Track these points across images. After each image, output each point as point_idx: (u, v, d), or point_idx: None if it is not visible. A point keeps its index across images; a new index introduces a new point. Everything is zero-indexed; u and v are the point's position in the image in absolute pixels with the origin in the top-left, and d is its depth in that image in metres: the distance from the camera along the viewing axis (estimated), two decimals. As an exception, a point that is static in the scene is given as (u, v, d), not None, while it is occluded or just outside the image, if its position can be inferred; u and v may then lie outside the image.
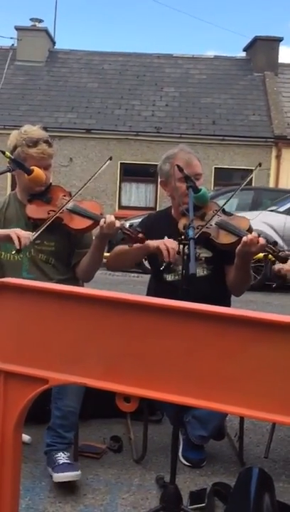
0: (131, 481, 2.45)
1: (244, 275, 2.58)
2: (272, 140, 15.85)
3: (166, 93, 17.18)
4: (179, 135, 15.42)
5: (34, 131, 2.62)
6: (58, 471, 2.30)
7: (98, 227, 2.48)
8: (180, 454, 2.62)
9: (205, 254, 2.66)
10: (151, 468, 2.55)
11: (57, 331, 1.25)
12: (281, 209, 8.88)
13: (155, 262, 2.75)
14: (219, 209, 2.66)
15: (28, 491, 2.30)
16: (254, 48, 18.23)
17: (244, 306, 3.93)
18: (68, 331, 1.24)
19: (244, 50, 19.19)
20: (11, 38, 18.59)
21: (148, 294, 2.81)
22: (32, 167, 2.52)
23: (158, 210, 10.62)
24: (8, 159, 2.52)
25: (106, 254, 2.74)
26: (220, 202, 2.75)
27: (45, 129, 2.73)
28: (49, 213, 2.58)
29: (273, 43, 18.11)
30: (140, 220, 3.05)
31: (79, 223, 2.57)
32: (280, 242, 2.22)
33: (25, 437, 2.64)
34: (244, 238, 2.39)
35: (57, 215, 2.54)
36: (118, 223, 2.44)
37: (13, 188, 7.76)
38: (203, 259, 2.66)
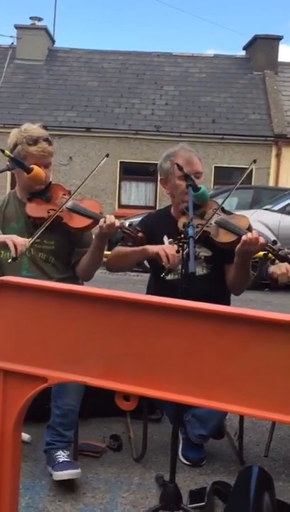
0: (131, 479, 2.45)
1: (243, 274, 2.58)
2: (272, 139, 15.85)
3: (166, 92, 17.17)
4: (179, 134, 15.42)
5: (34, 129, 2.62)
6: (58, 469, 2.30)
7: (98, 226, 2.48)
8: (179, 452, 2.62)
9: (204, 253, 2.66)
10: (150, 467, 2.55)
11: (57, 330, 1.25)
12: (276, 208, 8.88)
13: (154, 261, 2.75)
14: (218, 207, 2.66)
15: (27, 490, 2.30)
16: (253, 46, 18.22)
17: (244, 305, 3.92)
18: (67, 329, 1.24)
19: (244, 48, 19.18)
20: (11, 36, 18.60)
21: (147, 293, 2.81)
22: (31, 165, 2.52)
23: (157, 209, 10.63)
24: (7, 158, 2.51)
25: (106, 252, 2.74)
26: (220, 201, 2.75)
27: (44, 127, 2.73)
28: (49, 212, 2.58)
29: (273, 41, 18.10)
30: (140, 219, 3.05)
31: (78, 222, 2.57)
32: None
33: (25, 436, 2.64)
34: (244, 237, 2.39)
35: (54, 217, 2.53)
36: (118, 223, 2.44)
37: (12, 186, 7.76)
38: (203, 258, 2.66)
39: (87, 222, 2.55)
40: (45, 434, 2.46)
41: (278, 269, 2.52)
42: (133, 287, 7.31)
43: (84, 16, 57.33)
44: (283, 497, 2.23)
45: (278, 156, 15.83)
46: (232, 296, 2.79)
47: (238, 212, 2.95)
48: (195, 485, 2.41)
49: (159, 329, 1.17)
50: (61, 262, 2.67)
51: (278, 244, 2.47)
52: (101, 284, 1.86)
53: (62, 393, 2.41)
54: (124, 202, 16.14)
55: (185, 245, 2.14)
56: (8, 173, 2.70)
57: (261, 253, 2.44)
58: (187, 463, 2.62)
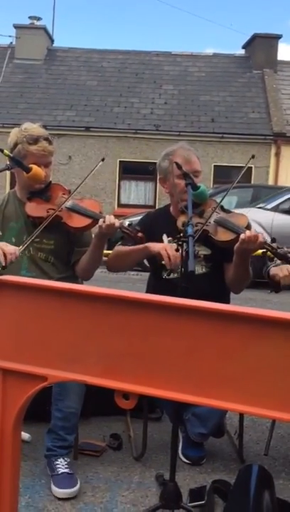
0: (131, 478, 2.45)
1: (243, 272, 2.58)
2: (271, 137, 15.84)
3: (165, 91, 17.17)
4: (178, 133, 15.41)
5: (34, 128, 2.62)
6: (57, 484, 2.29)
7: (97, 225, 2.48)
8: (179, 451, 2.62)
9: (203, 251, 2.66)
10: (150, 466, 2.55)
11: (57, 329, 1.25)
12: (269, 206, 8.88)
13: (154, 260, 2.75)
14: (217, 206, 2.66)
15: (27, 489, 2.30)
16: (253, 45, 18.21)
17: (244, 304, 3.92)
18: (67, 328, 1.24)
19: (243, 47, 19.18)
20: (10, 36, 18.62)
21: (147, 292, 2.81)
22: (30, 165, 2.52)
23: (157, 208, 10.62)
24: (7, 157, 2.51)
25: (106, 252, 2.74)
26: (219, 199, 2.75)
27: (44, 127, 2.73)
28: (48, 211, 2.57)
29: (272, 40, 18.10)
30: (139, 218, 3.05)
31: (78, 222, 2.57)
32: (268, 239, 2.23)
33: (25, 435, 2.64)
34: (242, 235, 2.39)
35: (51, 218, 2.52)
36: (117, 223, 2.44)
37: (12, 186, 7.76)
38: (202, 256, 2.66)
39: (87, 221, 2.55)
40: (45, 439, 2.45)
41: (280, 271, 2.50)
42: (132, 286, 7.31)
43: (83, 15, 57.33)
44: (283, 495, 2.23)
45: (277, 154, 15.82)
46: (232, 295, 2.79)
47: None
48: (195, 483, 2.41)
49: (159, 328, 1.18)
50: (61, 262, 2.67)
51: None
52: (101, 283, 1.86)
53: (63, 396, 2.40)
54: (123, 201, 16.14)
55: (185, 244, 2.14)
56: (8, 172, 2.70)
57: (259, 251, 2.44)
58: (187, 461, 2.62)
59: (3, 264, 2.36)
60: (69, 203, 2.59)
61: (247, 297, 5.80)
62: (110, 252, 2.76)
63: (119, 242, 2.73)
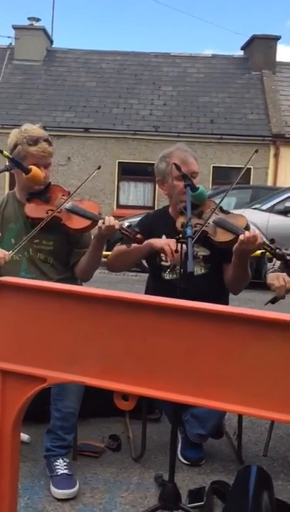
0: (130, 479, 2.45)
1: (241, 273, 2.59)
2: (270, 139, 15.85)
3: (164, 92, 17.17)
4: (177, 134, 15.42)
5: (34, 129, 2.62)
6: (56, 485, 2.30)
7: (96, 227, 2.48)
8: (178, 452, 2.62)
9: (202, 252, 2.66)
10: (149, 467, 2.55)
11: (56, 330, 1.25)
12: (264, 207, 8.87)
13: (153, 261, 2.75)
14: (216, 207, 2.66)
15: (26, 490, 2.30)
16: (251, 46, 18.22)
17: (243, 305, 3.93)
18: (66, 329, 1.24)
19: (242, 48, 19.18)
20: (9, 37, 18.64)
21: (146, 293, 2.81)
22: (30, 166, 2.52)
23: (156, 209, 10.62)
24: (6, 158, 2.52)
25: (105, 253, 2.74)
26: (218, 200, 2.75)
27: (43, 128, 2.74)
28: (47, 213, 2.58)
29: (270, 41, 18.10)
30: (138, 219, 3.05)
31: (77, 223, 2.57)
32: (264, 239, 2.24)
33: (24, 436, 2.64)
34: (241, 236, 2.39)
35: (47, 219, 2.53)
36: (117, 225, 2.44)
37: (11, 187, 7.76)
38: (201, 257, 2.66)
39: (86, 223, 2.55)
40: (44, 439, 2.45)
41: (277, 280, 2.50)
42: (131, 287, 7.31)
43: (82, 16, 57.30)
44: (282, 496, 2.23)
45: (276, 155, 15.83)
46: (231, 296, 2.79)
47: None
48: (194, 484, 2.41)
49: (158, 329, 1.18)
50: (60, 263, 2.67)
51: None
52: (100, 284, 1.87)
53: (62, 396, 2.40)
54: (122, 202, 16.14)
55: (184, 245, 2.14)
56: (7, 173, 2.71)
57: (258, 252, 2.44)
58: (186, 462, 2.62)
59: None
60: (68, 205, 2.59)
61: (246, 298, 5.80)
62: (109, 253, 2.76)
63: (119, 243, 2.74)
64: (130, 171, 15.95)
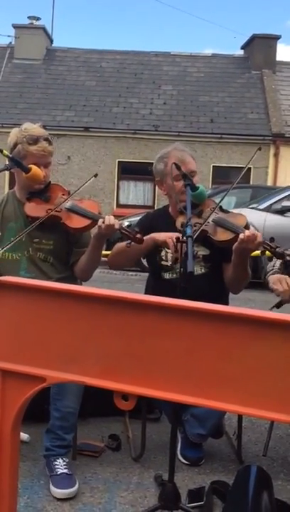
0: (130, 479, 2.45)
1: (241, 272, 2.58)
2: (270, 138, 15.85)
3: (164, 91, 17.17)
4: (177, 133, 15.42)
5: (34, 128, 2.62)
6: (56, 484, 2.29)
7: (96, 226, 2.48)
8: (178, 452, 2.62)
9: (202, 252, 2.66)
10: (149, 467, 2.55)
11: (55, 330, 1.25)
12: (261, 206, 8.86)
13: (154, 260, 2.75)
14: (216, 206, 2.66)
15: (26, 490, 2.30)
16: (251, 46, 18.22)
17: (243, 305, 3.93)
18: (66, 329, 1.24)
19: (242, 48, 19.18)
20: (9, 35, 18.59)
21: (146, 293, 2.81)
22: (30, 165, 2.52)
23: (156, 208, 10.62)
24: (6, 157, 2.51)
25: (104, 252, 2.73)
26: (218, 200, 2.75)
27: (43, 127, 2.73)
28: (47, 212, 2.58)
29: (270, 41, 18.10)
30: (138, 218, 3.05)
31: (77, 222, 2.57)
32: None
33: (24, 436, 2.64)
34: (241, 235, 2.39)
35: (44, 218, 2.52)
36: (117, 224, 2.44)
37: (11, 186, 7.76)
38: (201, 257, 2.66)
39: (86, 222, 2.55)
40: (44, 439, 2.45)
41: (280, 284, 2.48)
42: (131, 287, 7.31)
43: (82, 15, 57.33)
44: (281, 496, 2.23)
45: (276, 155, 15.83)
46: (231, 296, 2.79)
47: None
48: (193, 484, 2.41)
49: (158, 329, 1.18)
50: (60, 262, 2.67)
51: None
52: (100, 284, 1.86)
53: (61, 395, 2.40)
54: (122, 201, 16.14)
55: (184, 244, 2.14)
56: (7, 172, 2.71)
57: (257, 252, 2.44)
58: (185, 462, 2.62)
59: None
60: (68, 204, 2.59)
61: (247, 298, 5.80)
62: (109, 252, 2.76)
63: (118, 243, 2.73)
64: (130, 170, 15.96)
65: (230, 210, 2.79)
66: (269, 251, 2.40)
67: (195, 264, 2.26)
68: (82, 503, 2.24)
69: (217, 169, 15.78)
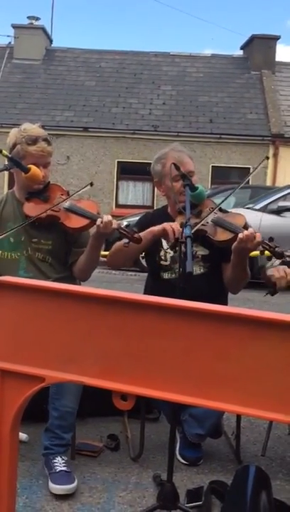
0: (128, 479, 2.45)
1: (240, 272, 2.59)
2: (269, 138, 15.86)
3: (163, 91, 17.17)
4: (176, 133, 15.42)
5: (34, 129, 2.62)
6: (55, 481, 2.29)
7: (95, 226, 2.48)
8: (177, 452, 2.63)
9: (201, 252, 2.66)
10: (148, 467, 2.55)
11: (54, 330, 1.25)
12: (257, 206, 8.85)
13: (153, 260, 2.75)
14: (216, 207, 2.66)
15: (25, 489, 2.30)
16: (251, 46, 18.23)
17: (242, 305, 3.93)
18: (65, 329, 1.24)
19: (242, 48, 19.19)
20: (8, 36, 18.62)
21: (145, 293, 2.81)
22: (29, 165, 2.52)
23: (155, 208, 10.62)
24: (5, 157, 2.52)
25: (103, 253, 2.73)
26: (217, 200, 2.75)
27: (42, 127, 2.74)
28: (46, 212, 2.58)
29: (270, 41, 18.12)
30: (137, 218, 3.05)
31: (76, 222, 2.57)
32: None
33: (23, 436, 2.64)
34: (240, 235, 2.39)
35: (38, 216, 2.53)
36: (115, 223, 2.44)
37: (10, 186, 7.76)
38: (200, 257, 2.66)
39: (84, 222, 2.55)
40: (43, 438, 2.45)
41: (277, 271, 2.49)
42: (130, 287, 7.31)
43: (81, 15, 57.34)
44: (280, 496, 2.23)
45: (275, 155, 15.83)
46: (230, 296, 2.80)
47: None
48: (192, 484, 2.41)
49: (156, 329, 1.18)
50: (58, 262, 2.67)
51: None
52: (99, 284, 1.87)
53: (60, 395, 2.40)
54: (121, 201, 16.14)
55: (183, 245, 2.14)
56: (6, 172, 2.71)
57: (257, 252, 2.44)
58: (184, 462, 2.62)
59: None
60: (66, 204, 2.59)
61: (245, 298, 5.80)
62: (107, 253, 2.76)
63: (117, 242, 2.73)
64: (129, 171, 15.96)
65: (229, 210, 2.80)
66: (268, 251, 2.40)
67: (194, 264, 2.26)
68: (81, 503, 2.24)
69: (216, 169, 15.79)
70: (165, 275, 2.71)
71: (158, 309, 1.17)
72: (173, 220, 2.67)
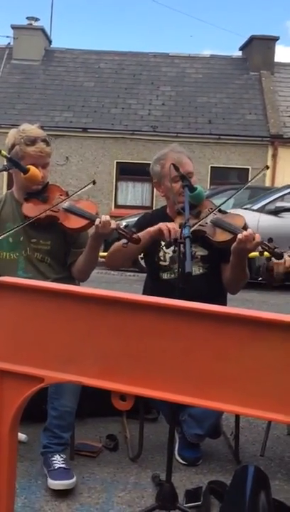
0: (127, 479, 2.45)
1: (240, 273, 2.59)
2: (268, 139, 15.87)
3: (162, 92, 17.18)
4: (175, 134, 15.43)
5: (32, 129, 2.63)
6: (53, 477, 2.30)
7: (93, 226, 2.49)
8: (176, 452, 2.63)
9: (200, 252, 2.67)
10: (146, 467, 2.55)
11: (53, 330, 1.25)
12: (255, 207, 8.85)
13: (152, 260, 2.76)
14: (215, 208, 2.66)
15: (24, 490, 2.30)
16: (250, 47, 18.24)
17: (241, 305, 3.93)
18: (64, 329, 1.24)
19: (241, 49, 19.20)
20: (7, 36, 18.68)
21: (144, 293, 2.81)
22: (28, 166, 2.52)
23: (154, 209, 10.62)
24: (4, 158, 2.52)
25: (102, 253, 2.74)
26: (216, 201, 2.75)
27: (41, 127, 2.74)
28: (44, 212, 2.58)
29: (269, 42, 18.13)
30: (136, 219, 3.06)
31: (74, 223, 2.57)
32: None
33: (22, 436, 2.64)
34: (239, 235, 2.39)
35: (38, 216, 2.53)
36: (113, 223, 2.45)
37: (9, 187, 7.76)
38: (199, 257, 2.66)
39: (83, 222, 2.55)
40: (41, 437, 2.46)
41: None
42: (130, 287, 7.31)
43: (80, 16, 57.33)
44: (279, 496, 2.23)
45: (274, 156, 15.84)
46: (229, 296, 2.80)
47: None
48: (191, 484, 2.41)
49: (155, 329, 1.18)
50: (57, 262, 2.67)
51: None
52: (98, 284, 1.87)
53: (58, 394, 2.40)
54: (120, 202, 16.15)
55: (182, 245, 2.14)
56: (5, 173, 2.71)
57: (256, 253, 2.44)
58: (183, 462, 2.62)
59: None
60: (65, 204, 2.59)
61: (244, 298, 5.81)
62: (106, 253, 2.76)
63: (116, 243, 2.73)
64: (128, 171, 15.96)
65: (228, 211, 2.80)
66: (267, 251, 2.40)
67: (193, 264, 2.27)
68: (80, 503, 2.24)
69: (215, 170, 15.80)
70: (165, 275, 2.72)
71: (157, 310, 1.18)
72: (172, 221, 2.67)
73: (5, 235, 2.52)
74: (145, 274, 2.96)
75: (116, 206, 15.88)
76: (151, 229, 2.58)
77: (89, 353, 1.22)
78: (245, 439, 2.89)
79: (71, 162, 15.82)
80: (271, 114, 16.38)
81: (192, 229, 2.27)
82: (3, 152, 2.50)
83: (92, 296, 1.23)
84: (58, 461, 2.35)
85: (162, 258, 2.72)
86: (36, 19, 18.67)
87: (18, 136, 2.58)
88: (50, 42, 19.18)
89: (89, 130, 15.93)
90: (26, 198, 2.66)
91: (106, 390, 1.22)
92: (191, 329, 1.16)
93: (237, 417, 2.68)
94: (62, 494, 2.28)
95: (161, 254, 2.71)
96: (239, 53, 19.22)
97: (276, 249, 2.37)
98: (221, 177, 15.49)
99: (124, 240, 2.45)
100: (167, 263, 2.70)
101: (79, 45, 33.81)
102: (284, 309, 6.15)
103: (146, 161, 14.87)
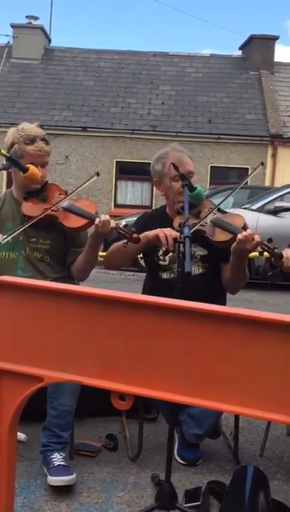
0: (127, 479, 2.45)
1: (239, 273, 2.59)
2: (268, 139, 15.87)
3: (162, 91, 17.18)
4: (175, 133, 15.43)
5: (31, 128, 2.62)
6: (53, 473, 2.29)
7: (93, 226, 2.48)
8: (175, 452, 2.62)
9: (200, 252, 2.66)
10: (146, 467, 2.55)
11: (53, 329, 1.25)
12: (254, 207, 8.85)
13: (151, 260, 2.75)
14: (214, 207, 2.66)
15: (23, 489, 2.29)
16: (250, 46, 18.24)
17: (240, 305, 3.93)
18: (63, 329, 1.24)
19: (240, 48, 19.20)
20: (7, 35, 18.63)
21: (143, 293, 2.81)
22: (27, 165, 2.52)
23: (153, 208, 10.63)
24: (3, 157, 2.51)
25: (101, 253, 2.73)
26: (216, 200, 2.75)
27: (40, 126, 2.73)
28: (44, 211, 2.58)
29: (269, 41, 18.14)
30: (135, 218, 3.05)
31: (74, 222, 2.57)
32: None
33: (21, 435, 2.64)
34: (239, 235, 2.39)
35: (39, 217, 2.52)
36: (113, 223, 2.45)
37: (8, 186, 7.76)
38: (199, 257, 2.66)
39: (83, 222, 2.55)
40: (41, 436, 2.46)
41: (285, 252, 2.44)
42: (129, 287, 7.31)
43: (80, 15, 57.35)
44: (278, 496, 2.23)
45: (274, 156, 15.84)
46: (228, 296, 2.80)
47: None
48: (190, 484, 2.41)
49: (155, 329, 1.18)
50: (56, 262, 2.67)
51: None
52: (97, 284, 1.86)
53: (58, 394, 2.40)
54: (120, 201, 16.15)
55: (181, 245, 2.14)
56: (4, 172, 2.71)
57: (256, 253, 2.44)
58: (182, 462, 2.62)
59: None
60: (65, 203, 2.59)
61: (244, 298, 5.81)
62: (105, 253, 2.75)
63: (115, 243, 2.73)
64: (128, 170, 15.96)
65: (227, 211, 2.80)
66: (267, 251, 2.40)
67: (192, 264, 2.26)
68: (79, 503, 2.24)
69: (214, 169, 15.80)
70: (164, 275, 2.71)
71: (156, 309, 1.17)
72: (172, 220, 2.67)
73: (9, 237, 2.50)
74: (144, 274, 2.96)
75: (116, 205, 15.88)
76: (149, 234, 2.56)
77: (89, 353, 1.22)
78: (244, 439, 2.89)
79: (70, 161, 15.82)
80: (271, 113, 16.39)
81: (193, 230, 2.26)
82: (3, 151, 2.49)
83: (92, 295, 1.22)
84: (58, 458, 2.35)
85: (161, 258, 2.71)
86: (36, 18, 18.68)
87: (18, 135, 2.58)
88: (49, 41, 19.17)
89: (88, 129, 15.93)
90: (25, 197, 2.66)
91: (106, 389, 1.21)
92: (191, 329, 1.16)
93: (237, 417, 2.68)
94: (62, 492, 2.27)
95: (160, 253, 2.71)
96: (239, 53, 19.23)
97: (275, 250, 2.37)
98: (221, 176, 15.49)
99: (123, 240, 2.44)
100: (166, 263, 2.70)
101: (79, 44, 33.83)
102: (284, 309, 6.15)
103: (145, 161, 14.89)
